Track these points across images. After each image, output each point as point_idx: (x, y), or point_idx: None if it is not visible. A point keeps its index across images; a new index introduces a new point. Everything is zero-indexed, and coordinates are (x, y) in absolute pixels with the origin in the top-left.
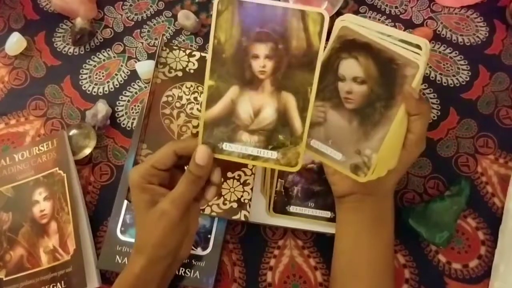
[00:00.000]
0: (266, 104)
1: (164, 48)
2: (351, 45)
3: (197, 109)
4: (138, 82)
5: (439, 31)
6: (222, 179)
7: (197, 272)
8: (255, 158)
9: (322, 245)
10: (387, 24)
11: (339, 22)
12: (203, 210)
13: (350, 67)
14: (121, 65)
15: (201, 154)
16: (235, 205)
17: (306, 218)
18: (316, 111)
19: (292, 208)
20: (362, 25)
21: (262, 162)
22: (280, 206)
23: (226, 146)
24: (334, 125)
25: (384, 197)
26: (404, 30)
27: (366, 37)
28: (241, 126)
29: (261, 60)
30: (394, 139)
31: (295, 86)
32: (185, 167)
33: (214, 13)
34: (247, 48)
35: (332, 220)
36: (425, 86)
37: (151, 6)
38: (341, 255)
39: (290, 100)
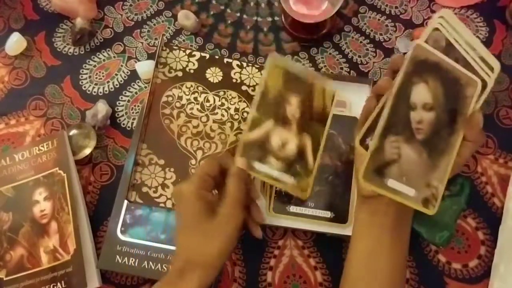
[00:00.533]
0: (291, 140)
1: (164, 48)
2: (422, 67)
3: (197, 109)
4: (138, 82)
5: None
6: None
7: None
8: (276, 179)
9: (322, 245)
10: (386, 25)
11: (435, 20)
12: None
13: (420, 92)
14: (121, 65)
15: (240, 160)
16: None
17: (306, 218)
18: (390, 148)
19: (292, 208)
20: (456, 29)
21: (281, 184)
22: (280, 206)
23: (257, 165)
24: (407, 160)
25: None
26: (404, 30)
27: (437, 56)
28: (271, 152)
29: (293, 107)
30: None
31: (312, 132)
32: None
33: (269, 66)
34: (285, 96)
35: (332, 220)
36: None
37: (151, 6)
38: (359, 257)
39: (308, 141)
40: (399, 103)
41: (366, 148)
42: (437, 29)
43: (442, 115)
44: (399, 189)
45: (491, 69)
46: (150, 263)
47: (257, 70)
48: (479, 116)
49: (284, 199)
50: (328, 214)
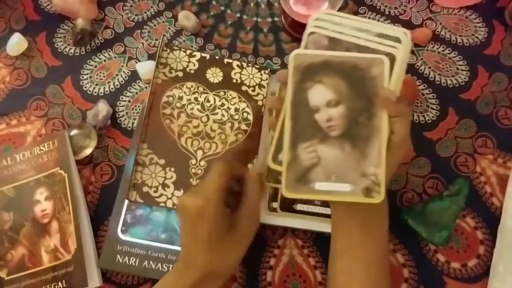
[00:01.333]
0: None
1: (165, 49)
2: (311, 71)
3: (197, 109)
4: (138, 82)
5: (438, 31)
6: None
7: None
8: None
9: (322, 245)
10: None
11: (308, 26)
12: None
13: (318, 94)
14: (122, 66)
15: (258, 164)
16: None
17: (313, 216)
18: (306, 154)
19: (299, 206)
20: (336, 22)
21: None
22: (287, 204)
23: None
24: (329, 159)
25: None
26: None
27: (321, 55)
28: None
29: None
30: (384, 142)
31: None
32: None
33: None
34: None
35: None
36: (424, 86)
37: (151, 7)
38: (336, 257)
39: None
40: (299, 112)
41: (280, 164)
42: (312, 32)
43: (354, 104)
44: (331, 188)
45: (398, 40)
46: (151, 262)
47: (257, 71)
48: (385, 91)
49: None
50: None
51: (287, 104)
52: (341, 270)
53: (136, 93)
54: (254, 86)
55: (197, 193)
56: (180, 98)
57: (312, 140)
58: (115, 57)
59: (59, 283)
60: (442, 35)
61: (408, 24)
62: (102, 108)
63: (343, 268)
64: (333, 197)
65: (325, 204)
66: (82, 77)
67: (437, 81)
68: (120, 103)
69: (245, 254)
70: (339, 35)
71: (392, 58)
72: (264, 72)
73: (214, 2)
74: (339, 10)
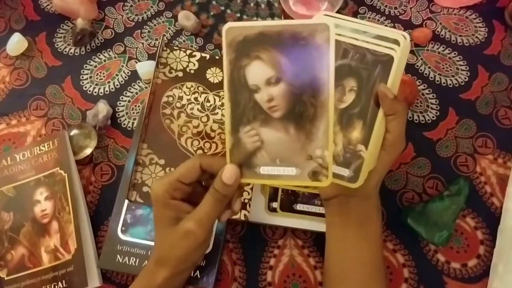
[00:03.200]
0: None
1: (165, 49)
2: (246, 46)
3: (197, 109)
4: (138, 82)
5: (438, 31)
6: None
7: (197, 271)
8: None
9: (322, 245)
10: (386, 25)
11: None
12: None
13: (256, 71)
14: (122, 66)
15: (229, 173)
16: None
17: (313, 216)
18: (248, 138)
19: (299, 206)
20: (336, 25)
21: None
22: (287, 204)
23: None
24: (273, 142)
25: (367, 197)
26: (403, 31)
27: (256, 27)
28: None
29: None
30: (376, 140)
31: None
32: (210, 186)
33: None
34: None
35: None
36: (424, 86)
37: (151, 7)
38: (331, 257)
39: None
40: (238, 93)
41: None
42: None
43: (298, 80)
44: (277, 173)
45: (396, 42)
46: (147, 262)
47: None
48: (384, 88)
49: (291, 197)
50: None
51: (225, 86)
52: (335, 269)
53: (136, 93)
54: None
55: (162, 178)
56: (180, 98)
57: (254, 123)
58: (115, 57)
59: (59, 283)
60: (442, 35)
61: (408, 24)
62: (102, 108)
63: (337, 268)
64: (279, 181)
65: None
66: (82, 77)
67: (437, 81)
68: (120, 103)
69: (199, 257)
70: (337, 37)
71: (390, 60)
72: None
73: (214, 2)
74: (339, 10)
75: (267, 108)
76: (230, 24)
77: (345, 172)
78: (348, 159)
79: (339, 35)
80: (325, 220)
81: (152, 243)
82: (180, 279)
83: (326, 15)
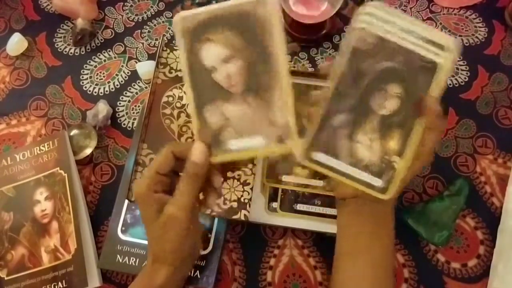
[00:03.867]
0: None
1: (165, 49)
2: (198, 31)
3: None
4: (138, 82)
5: None
6: (222, 179)
7: (197, 271)
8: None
9: (322, 245)
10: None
11: (358, 19)
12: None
13: (211, 53)
14: (122, 66)
15: (197, 151)
16: (235, 204)
17: (312, 216)
18: (212, 117)
19: (299, 206)
20: (386, 20)
21: None
22: (287, 204)
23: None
24: (237, 117)
25: (387, 203)
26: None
27: (205, 12)
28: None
29: None
30: (413, 151)
31: None
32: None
33: None
34: None
35: None
36: None
37: (151, 7)
38: (341, 258)
39: None
40: (197, 76)
41: (316, 163)
42: (361, 28)
43: (251, 54)
44: (246, 145)
45: (442, 48)
46: (145, 264)
47: None
48: (432, 99)
49: (291, 197)
50: (334, 211)
51: (184, 73)
52: (346, 270)
53: (136, 93)
54: None
55: (141, 177)
56: (180, 98)
57: (216, 102)
58: (115, 57)
59: (59, 283)
60: None
61: None
62: (102, 108)
63: (348, 269)
64: (250, 153)
65: (325, 204)
66: (82, 77)
67: None
68: (120, 103)
69: (191, 245)
70: (387, 35)
71: (437, 67)
72: None
73: (214, 2)
74: (339, 10)
75: (226, 86)
76: (180, 14)
77: (378, 182)
78: (382, 169)
79: (389, 32)
80: (338, 220)
81: None
82: (180, 276)
83: (378, 6)
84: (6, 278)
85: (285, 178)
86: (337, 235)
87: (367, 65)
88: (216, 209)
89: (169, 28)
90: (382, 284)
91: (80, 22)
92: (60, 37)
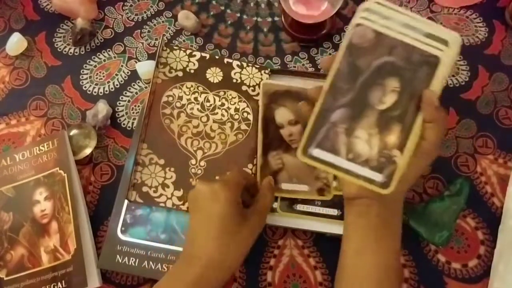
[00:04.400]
0: None
1: (165, 48)
2: (276, 97)
3: (197, 109)
4: (138, 82)
5: None
6: None
7: None
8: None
9: (322, 245)
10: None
11: (357, 15)
12: None
13: (282, 114)
14: (122, 65)
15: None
16: None
17: (313, 216)
18: (274, 160)
19: (299, 206)
20: (385, 16)
21: None
22: (287, 204)
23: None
24: (292, 165)
25: (392, 203)
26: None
27: (284, 86)
28: None
29: None
30: (412, 146)
31: None
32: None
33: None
34: None
35: (339, 218)
36: None
37: (151, 7)
38: (347, 258)
39: None
40: (268, 127)
41: (311, 158)
42: (359, 24)
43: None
44: (293, 188)
45: (445, 43)
46: (150, 263)
47: (257, 71)
48: (430, 93)
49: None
50: (335, 211)
51: (260, 121)
52: (351, 269)
53: (136, 93)
54: (254, 86)
55: (213, 181)
56: (180, 98)
57: (278, 150)
58: (114, 57)
59: (59, 284)
60: None
61: None
62: (102, 108)
63: (354, 268)
64: (295, 195)
65: (324, 204)
66: (82, 77)
67: None
68: (119, 103)
69: (247, 254)
70: (386, 30)
71: (437, 62)
72: (264, 72)
73: (214, 2)
74: (339, 10)
75: (288, 140)
76: (265, 81)
77: (378, 177)
78: (382, 163)
79: (388, 28)
80: (345, 219)
81: (152, 243)
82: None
83: (378, 2)
84: (5, 278)
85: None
86: (343, 234)
87: (364, 60)
88: None
89: (169, 28)
90: (385, 284)
91: (80, 22)
92: (60, 37)
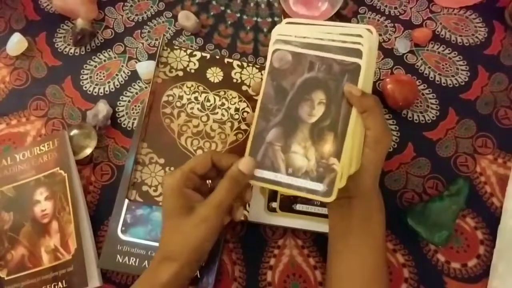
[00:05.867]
0: None
1: (165, 48)
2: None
3: (197, 108)
4: (138, 82)
5: (438, 31)
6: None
7: (197, 271)
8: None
9: (322, 245)
10: (386, 26)
11: (270, 45)
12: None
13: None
14: (122, 66)
15: (247, 162)
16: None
17: (312, 216)
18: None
19: (299, 206)
20: (298, 34)
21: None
22: (287, 204)
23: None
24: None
25: (368, 198)
26: (403, 31)
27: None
28: None
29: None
30: (352, 141)
31: None
32: (215, 185)
33: None
34: None
35: None
36: (424, 86)
37: (151, 7)
38: (333, 258)
39: None
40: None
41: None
42: (276, 50)
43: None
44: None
45: (360, 36)
46: (151, 262)
47: (257, 70)
48: (349, 87)
49: (290, 197)
50: None
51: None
52: (337, 268)
53: (136, 93)
54: None
55: (173, 172)
56: (180, 97)
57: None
58: (115, 57)
59: (59, 283)
60: (442, 35)
61: (408, 24)
62: (102, 108)
63: (340, 267)
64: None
65: (324, 204)
66: (82, 77)
67: (437, 81)
68: (120, 103)
69: (201, 247)
70: (302, 49)
71: (357, 68)
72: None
73: (214, 2)
74: (339, 10)
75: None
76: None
77: (319, 186)
78: (322, 173)
79: (304, 45)
80: (329, 221)
81: (152, 243)
82: (189, 273)
83: (289, 22)
84: (6, 278)
85: None
86: (329, 235)
87: (288, 81)
88: None
89: (169, 28)
90: (371, 283)
91: (80, 22)
92: (60, 37)
